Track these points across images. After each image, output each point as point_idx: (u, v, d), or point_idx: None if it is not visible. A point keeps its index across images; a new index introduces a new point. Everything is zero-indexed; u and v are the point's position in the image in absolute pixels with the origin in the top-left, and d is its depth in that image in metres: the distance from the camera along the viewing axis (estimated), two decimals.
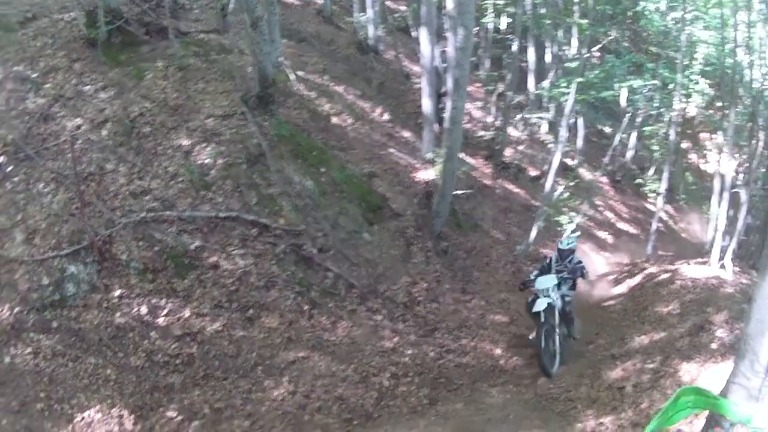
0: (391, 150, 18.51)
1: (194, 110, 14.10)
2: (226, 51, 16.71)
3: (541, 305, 12.91)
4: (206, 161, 13.21)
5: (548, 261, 14.41)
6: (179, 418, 9.95)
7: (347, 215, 14.66)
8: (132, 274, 11.38)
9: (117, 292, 11.15)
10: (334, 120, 18.06)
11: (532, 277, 13.93)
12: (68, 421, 9.49)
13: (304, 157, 14.86)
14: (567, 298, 13.93)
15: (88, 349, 10.42)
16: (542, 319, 12.88)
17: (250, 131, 14.06)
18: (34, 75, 13.74)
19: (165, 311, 11.19)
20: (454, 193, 16.81)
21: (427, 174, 17.88)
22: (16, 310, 10.53)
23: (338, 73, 20.69)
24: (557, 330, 13.14)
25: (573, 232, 15.63)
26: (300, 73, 18.68)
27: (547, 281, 13.45)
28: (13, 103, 13.18)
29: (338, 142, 17.02)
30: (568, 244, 14.22)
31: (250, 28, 14.63)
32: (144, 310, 11.09)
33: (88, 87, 13.86)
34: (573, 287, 14.29)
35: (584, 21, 20.99)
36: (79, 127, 13.04)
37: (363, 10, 24.36)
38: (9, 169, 12.11)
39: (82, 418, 9.56)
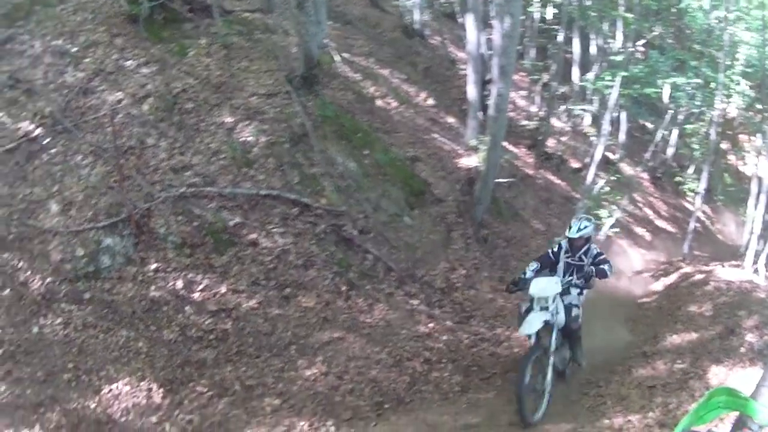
0: (435, 135, 18.34)
1: (238, 88, 14.01)
2: (270, 31, 16.63)
3: (532, 325, 10.23)
4: (249, 139, 13.13)
5: (554, 250, 11.60)
6: (209, 393, 9.89)
7: (389, 198, 14.54)
8: (169, 249, 11.31)
9: (153, 266, 11.07)
10: (379, 103, 17.93)
11: (526, 276, 11.10)
12: (95, 393, 9.44)
13: (347, 139, 14.78)
14: (574, 311, 11.02)
15: (120, 322, 10.35)
16: (533, 340, 10.37)
17: (294, 111, 13.97)
18: (74, 49, 13.63)
19: (201, 286, 11.11)
20: (497, 181, 16.65)
21: (470, 161, 17.68)
22: (48, 280, 10.46)
23: (384, 56, 20.59)
24: (551, 357, 10.42)
25: (588, 219, 11.79)
26: (345, 55, 18.59)
27: (548, 287, 10.67)
28: (51, 76, 13.09)
29: (382, 125, 16.88)
30: (578, 231, 11.23)
31: (295, 9, 14.57)
32: (180, 284, 11.01)
33: (129, 62, 13.73)
34: (582, 292, 11.35)
35: (630, 15, 20.81)
36: (119, 101, 12.94)
37: None
38: (46, 141, 12.06)
39: (110, 390, 9.51)
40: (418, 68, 21.28)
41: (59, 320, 10.15)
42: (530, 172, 21.02)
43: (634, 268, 20.61)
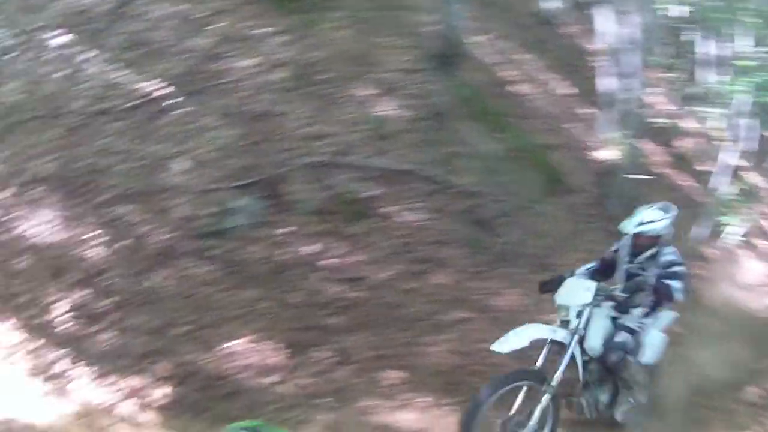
0: (567, 125, 18.01)
1: (373, 62, 13.94)
2: (402, 7, 16.42)
3: (508, 342, 7.60)
4: (385, 113, 13.03)
5: (615, 249, 8.77)
6: (331, 360, 9.90)
7: (523, 184, 14.15)
8: (301, 214, 11.30)
9: (283, 230, 11.09)
10: (513, 87, 17.63)
11: (574, 274, 8.67)
12: (209, 348, 9.57)
13: (484, 121, 14.56)
14: (620, 337, 7.99)
15: (245, 282, 10.43)
16: (540, 361, 7.84)
17: (432, 89, 13.82)
18: (197, 15, 13.69)
19: (331, 254, 11.07)
20: (627, 176, 16.30)
21: (602, 154, 17.37)
22: (169, 236, 10.62)
23: (517, 40, 20.20)
24: (549, 392, 7.54)
25: (665, 209, 8.49)
26: (480, 37, 18.36)
27: (576, 294, 7.99)
28: (173, 40, 13.22)
29: (516, 109, 16.64)
30: (640, 224, 8.16)
31: None
32: (309, 250, 10.99)
33: (259, 31, 13.75)
34: (650, 314, 8.35)
35: (758, 20, 20.29)
36: (249, 68, 13.00)
37: None
38: (169, 102, 12.17)
39: (226, 347, 9.63)
40: (549, 56, 20.91)
41: (177, 275, 10.29)
42: (658, 170, 20.50)
43: (750, 280, 20.07)
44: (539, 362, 7.78)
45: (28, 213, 10.68)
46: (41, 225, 10.54)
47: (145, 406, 8.89)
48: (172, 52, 12.96)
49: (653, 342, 8.44)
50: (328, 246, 11.12)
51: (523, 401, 7.53)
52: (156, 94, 12.24)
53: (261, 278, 10.52)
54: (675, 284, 7.99)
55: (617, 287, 8.26)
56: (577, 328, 7.83)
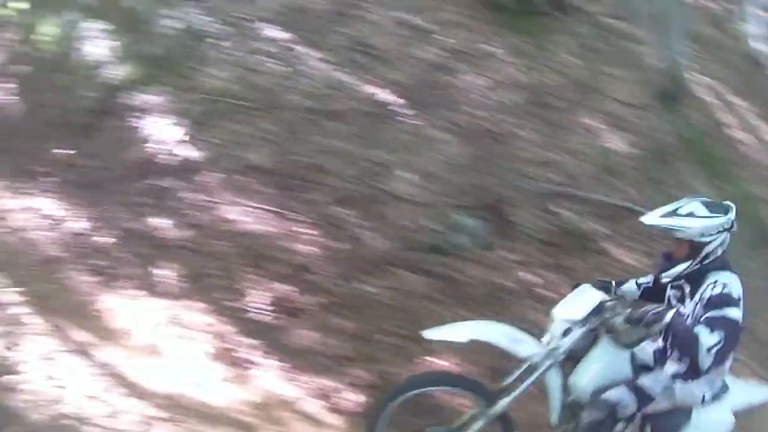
0: None
1: (601, 93, 13.95)
2: (630, 39, 16.31)
3: (450, 332, 6.29)
4: (613, 147, 13.03)
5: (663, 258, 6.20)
6: (532, 392, 9.73)
7: (736, 236, 13.76)
8: (524, 241, 11.32)
9: (505, 254, 11.10)
10: (728, 131, 17.31)
11: (621, 287, 6.89)
12: (408, 359, 9.52)
13: (705, 164, 14.42)
14: (613, 395, 5.67)
15: (459, 300, 10.36)
16: (516, 373, 6.16)
17: (659, 126, 13.79)
18: (423, 24, 13.82)
19: (548, 285, 10.99)
20: None
21: None
22: (387, 244, 10.67)
23: (731, 82, 19.72)
24: (480, 427, 6.04)
25: (714, 207, 6.12)
26: (697, 75, 18.07)
27: (575, 303, 6.24)
28: (398, 46, 13.34)
29: (733, 156, 16.33)
30: (663, 217, 5.92)
31: (659, 20, 14.33)
32: (528, 278, 10.99)
33: (488, 48, 13.83)
34: (687, 378, 5.65)
35: None
36: (479, 85, 13.09)
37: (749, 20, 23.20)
38: (397, 110, 12.30)
39: (429, 362, 9.55)
40: (761, 101, 20.33)
41: (390, 284, 10.30)
42: None
43: None
44: (509, 378, 6.14)
45: (233, 199, 10.89)
46: (247, 213, 10.75)
47: (332, 409, 8.89)
48: (397, 59, 13.10)
49: (710, 422, 5.79)
50: (547, 276, 11.10)
51: (472, 418, 6.14)
52: (381, 99, 12.42)
53: (476, 299, 10.49)
54: (705, 336, 5.22)
55: (624, 312, 5.79)
56: (554, 349, 5.91)
